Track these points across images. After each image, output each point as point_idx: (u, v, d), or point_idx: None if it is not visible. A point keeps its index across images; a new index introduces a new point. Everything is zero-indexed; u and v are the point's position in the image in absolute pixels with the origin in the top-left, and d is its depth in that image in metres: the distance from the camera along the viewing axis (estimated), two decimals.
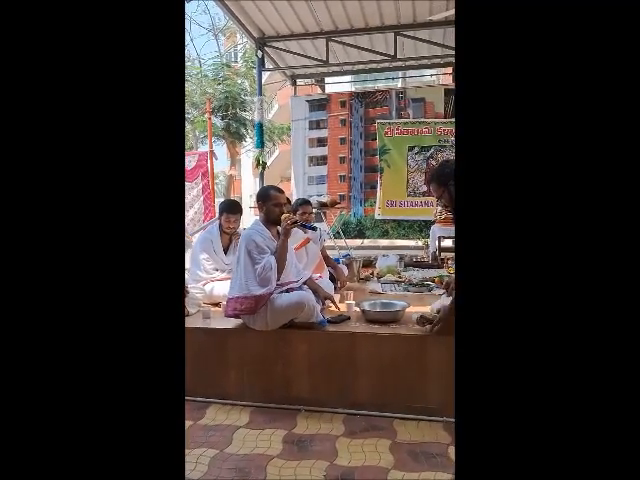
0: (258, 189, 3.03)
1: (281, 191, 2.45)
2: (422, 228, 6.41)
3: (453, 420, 2.03)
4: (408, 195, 6.44)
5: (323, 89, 7.81)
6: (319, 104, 6.77)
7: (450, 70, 6.97)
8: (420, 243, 6.27)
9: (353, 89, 8.90)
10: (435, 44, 5.74)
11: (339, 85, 8.25)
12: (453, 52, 5.89)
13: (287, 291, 2.33)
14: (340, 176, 6.80)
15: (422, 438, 1.93)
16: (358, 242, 6.72)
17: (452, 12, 4.57)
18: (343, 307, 2.56)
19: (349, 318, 2.41)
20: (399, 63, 6.32)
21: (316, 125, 6.80)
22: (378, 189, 6.44)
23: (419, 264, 4.62)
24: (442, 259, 4.65)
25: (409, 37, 5.55)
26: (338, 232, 6.02)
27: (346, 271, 3.57)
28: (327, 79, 7.72)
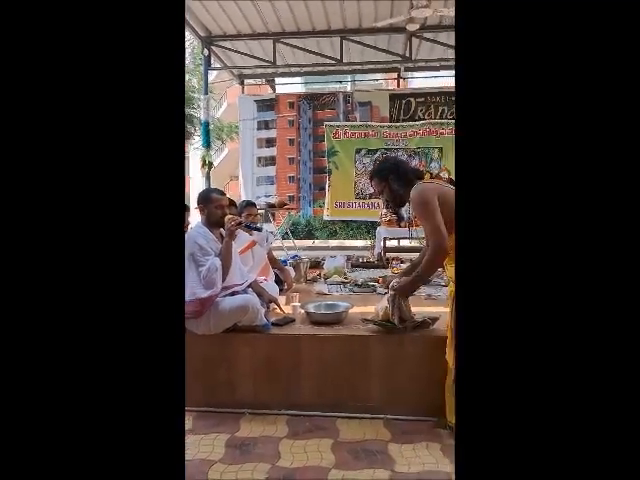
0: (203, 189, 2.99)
1: (223, 193, 2.44)
2: (369, 229, 6.55)
3: (393, 417, 2.10)
4: (356, 197, 6.56)
5: (274, 89, 7.80)
6: (267, 104, 6.76)
7: (395, 75, 7.15)
8: (370, 243, 6.41)
9: (304, 90, 8.95)
10: (381, 50, 5.88)
11: (290, 86, 8.26)
12: (398, 58, 6.06)
13: (231, 294, 2.32)
14: (289, 177, 6.82)
15: (363, 436, 1.98)
16: (309, 243, 6.77)
17: (397, 19, 4.70)
18: (288, 309, 2.59)
19: (294, 320, 2.43)
20: (346, 67, 6.43)
21: (264, 125, 6.78)
22: (327, 190, 6.52)
23: (365, 265, 4.72)
24: (387, 259, 4.78)
25: (355, 42, 5.65)
26: (287, 233, 6.04)
27: (293, 273, 3.59)
28: (277, 79, 7.71)
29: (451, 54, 6.06)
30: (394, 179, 2.10)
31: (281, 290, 3.10)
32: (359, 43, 5.70)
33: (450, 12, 4.69)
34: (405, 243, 5.67)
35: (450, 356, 1.99)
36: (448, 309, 2.06)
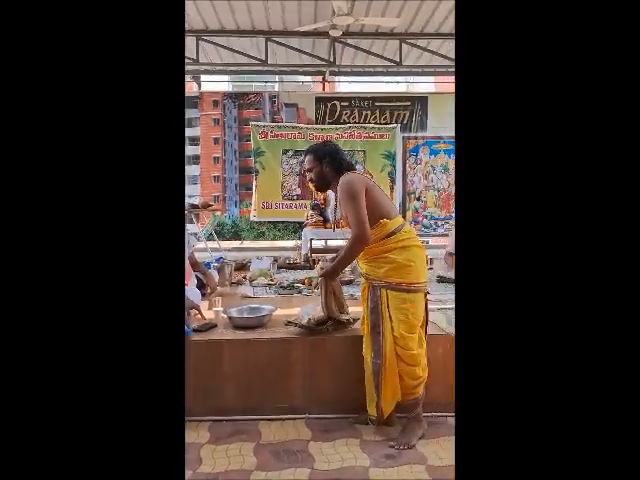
0: None
1: None
2: (296, 230, 6.60)
3: (315, 416, 2.16)
4: (283, 197, 6.58)
5: (200, 85, 7.60)
6: (190, 102, 6.58)
7: (320, 78, 7.26)
8: (296, 244, 6.46)
9: (230, 88, 8.81)
10: (305, 53, 5.95)
11: (215, 84, 8.11)
12: (322, 62, 6.16)
13: None
14: (214, 176, 6.70)
15: (286, 437, 2.02)
16: (237, 244, 6.69)
17: (320, 24, 4.79)
18: (211, 314, 2.56)
19: (215, 326, 2.41)
20: (271, 68, 6.43)
21: (187, 123, 6.60)
22: (253, 191, 6.48)
23: (292, 266, 4.77)
24: (313, 260, 4.85)
25: (280, 44, 5.68)
26: (211, 234, 5.93)
27: (217, 276, 3.54)
28: (202, 77, 7.53)
29: (372, 61, 6.28)
30: (328, 162, 2.14)
31: (204, 294, 3.05)
32: (284, 45, 5.73)
33: (371, 21, 4.86)
34: (332, 244, 5.79)
35: (367, 351, 2.08)
36: (363, 306, 2.15)
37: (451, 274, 3.93)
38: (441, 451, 1.89)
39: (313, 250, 5.11)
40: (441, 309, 2.78)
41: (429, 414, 2.13)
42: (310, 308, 2.41)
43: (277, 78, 9.61)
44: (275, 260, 4.82)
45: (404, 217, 6.47)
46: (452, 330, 2.30)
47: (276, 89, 9.41)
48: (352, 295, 3.25)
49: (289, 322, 2.32)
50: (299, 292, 3.45)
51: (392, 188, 6.51)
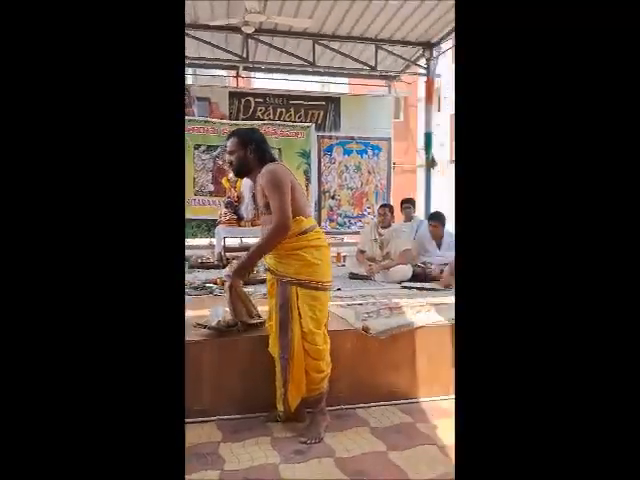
0: None
1: None
2: (210, 227, 6.45)
3: (227, 417, 2.16)
4: (195, 194, 6.40)
5: None
6: None
7: (234, 73, 7.16)
8: (214, 242, 6.30)
9: None
10: (217, 47, 5.83)
11: None
12: (235, 57, 6.08)
13: None
14: None
15: (198, 440, 1.99)
16: None
17: (233, 20, 4.72)
18: None
19: None
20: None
21: None
22: None
23: (205, 265, 4.67)
24: (227, 259, 4.80)
25: (192, 37, 5.51)
26: None
27: None
28: None
29: (286, 59, 6.32)
30: (253, 150, 2.10)
31: None
32: (196, 39, 5.57)
33: (283, 20, 4.89)
34: (246, 242, 5.75)
35: (274, 348, 2.11)
36: (270, 302, 2.16)
37: (362, 271, 4.10)
38: (348, 442, 1.98)
39: (227, 249, 5.05)
40: (351, 305, 2.90)
41: (337, 407, 2.22)
42: (220, 309, 2.39)
43: (190, 71, 9.28)
44: (187, 259, 4.69)
45: (319, 215, 6.60)
46: (360, 325, 2.41)
47: (189, 82, 9.10)
48: (265, 294, 3.26)
49: (198, 324, 2.29)
50: (211, 292, 3.40)
51: (307, 186, 6.61)
